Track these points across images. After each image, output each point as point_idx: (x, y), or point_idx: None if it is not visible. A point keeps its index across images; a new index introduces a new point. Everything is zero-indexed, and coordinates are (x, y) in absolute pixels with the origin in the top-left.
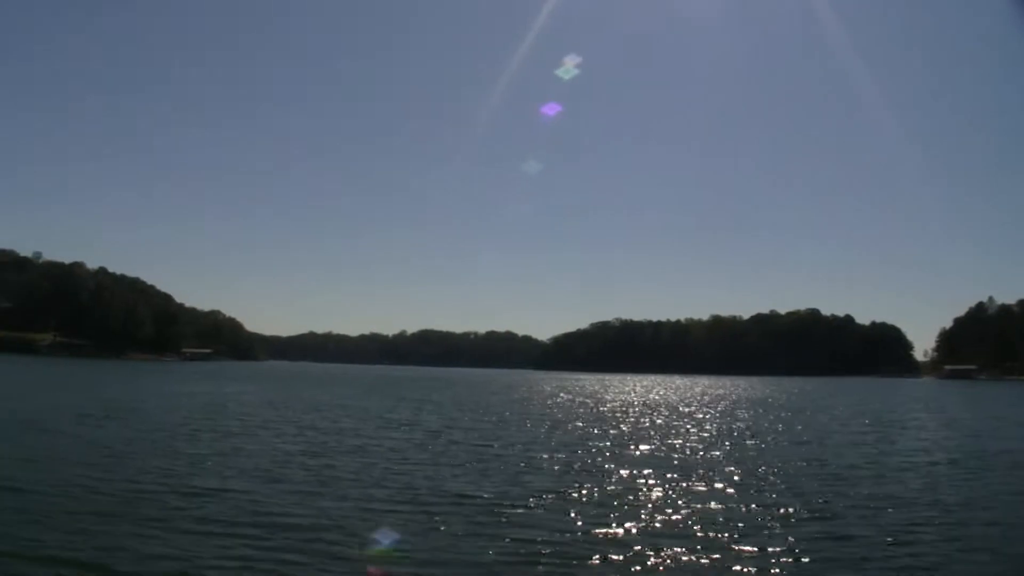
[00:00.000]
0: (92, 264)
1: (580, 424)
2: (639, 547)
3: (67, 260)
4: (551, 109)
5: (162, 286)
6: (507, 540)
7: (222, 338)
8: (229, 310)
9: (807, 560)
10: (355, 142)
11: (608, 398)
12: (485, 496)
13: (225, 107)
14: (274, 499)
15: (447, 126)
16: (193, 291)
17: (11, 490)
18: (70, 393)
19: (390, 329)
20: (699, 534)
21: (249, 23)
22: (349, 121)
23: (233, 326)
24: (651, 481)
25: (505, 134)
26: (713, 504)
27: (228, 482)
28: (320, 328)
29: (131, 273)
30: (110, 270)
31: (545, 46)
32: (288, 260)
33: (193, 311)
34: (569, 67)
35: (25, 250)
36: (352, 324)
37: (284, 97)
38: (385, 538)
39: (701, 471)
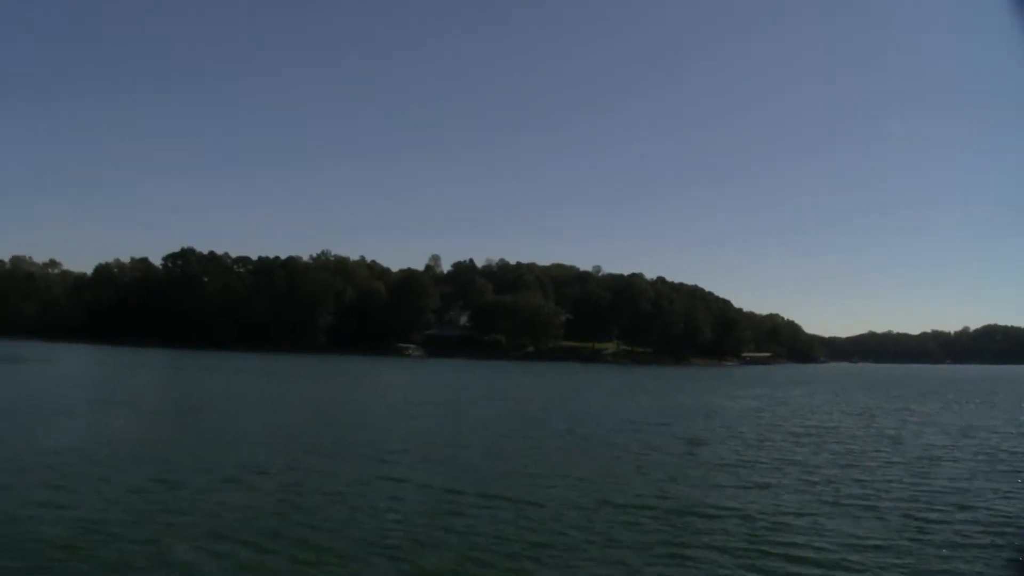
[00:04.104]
0: (650, 274)
1: None
2: None
3: (625, 272)
4: None
5: (720, 292)
6: None
7: (781, 341)
8: (788, 313)
9: None
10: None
11: None
12: None
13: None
14: (791, 518)
15: None
16: (751, 295)
17: (519, 502)
18: (625, 398)
19: (952, 326)
20: None
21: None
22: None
23: (791, 329)
24: None
25: None
26: None
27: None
28: (880, 327)
29: (688, 281)
30: (668, 279)
31: None
32: (848, 261)
33: (751, 315)
34: None
35: (585, 265)
36: (912, 321)
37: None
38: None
39: None
